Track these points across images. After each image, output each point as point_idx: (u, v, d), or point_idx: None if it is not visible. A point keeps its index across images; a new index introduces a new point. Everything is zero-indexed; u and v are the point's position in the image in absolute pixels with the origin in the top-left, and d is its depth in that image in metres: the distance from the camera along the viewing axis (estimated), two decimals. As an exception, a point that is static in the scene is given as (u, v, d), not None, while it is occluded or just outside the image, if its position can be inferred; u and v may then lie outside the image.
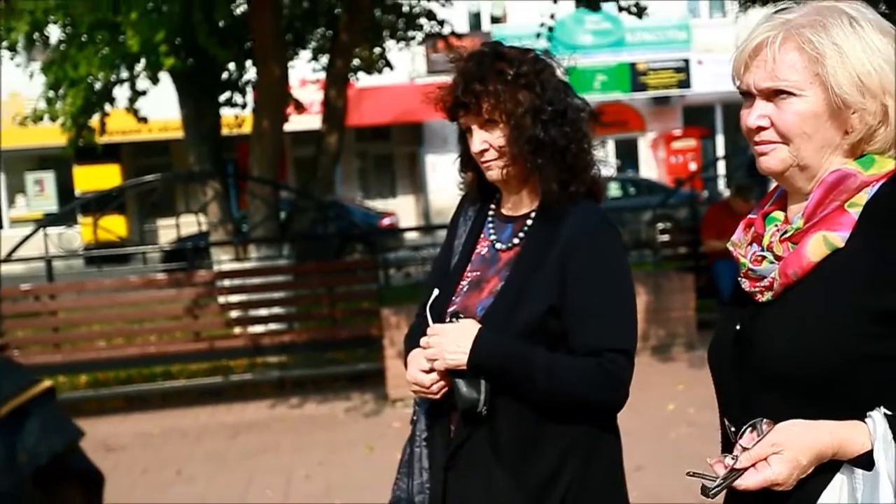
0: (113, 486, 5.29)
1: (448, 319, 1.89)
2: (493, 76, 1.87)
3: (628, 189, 18.52)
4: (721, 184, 16.52)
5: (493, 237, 2.00)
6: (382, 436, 5.83)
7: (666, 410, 5.72)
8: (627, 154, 23.12)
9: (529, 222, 1.95)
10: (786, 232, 1.39)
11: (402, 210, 21.46)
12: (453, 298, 1.96)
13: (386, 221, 17.05)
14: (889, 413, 1.25)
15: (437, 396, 1.91)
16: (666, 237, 9.83)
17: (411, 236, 15.53)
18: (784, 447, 1.27)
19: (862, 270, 1.30)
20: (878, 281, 1.28)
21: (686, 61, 22.08)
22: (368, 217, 17.05)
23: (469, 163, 2.03)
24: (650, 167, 23.12)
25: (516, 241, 1.95)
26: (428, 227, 14.85)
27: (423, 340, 1.87)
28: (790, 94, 1.35)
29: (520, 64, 1.89)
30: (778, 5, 1.41)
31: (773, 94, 1.36)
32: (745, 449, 1.29)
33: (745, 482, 1.28)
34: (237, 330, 7.48)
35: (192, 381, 7.56)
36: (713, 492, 1.29)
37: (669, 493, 4.23)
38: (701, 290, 7.70)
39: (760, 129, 1.38)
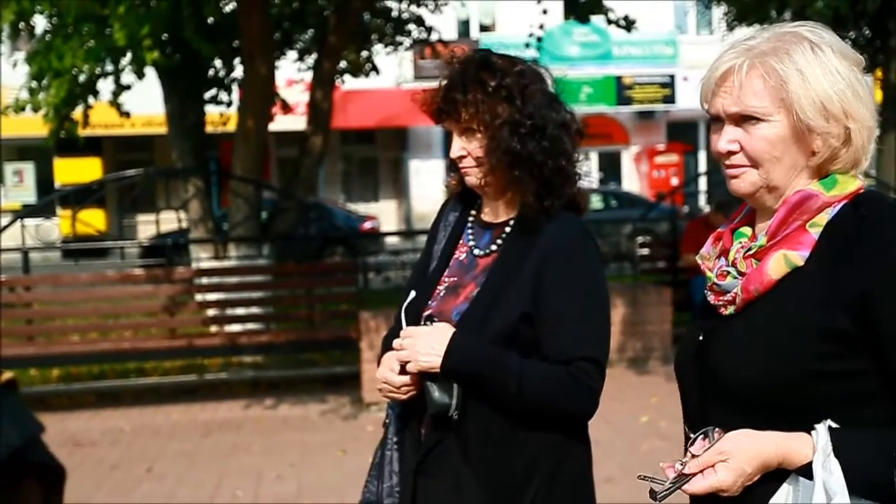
0: (80, 483, 5.24)
1: (423, 323, 1.89)
2: (475, 85, 1.87)
3: (610, 201, 18.61)
4: (702, 200, 16.63)
5: (471, 243, 2.01)
6: (356, 439, 5.81)
7: (639, 423, 5.75)
8: (610, 167, 23.24)
9: (508, 230, 1.96)
10: (750, 248, 1.44)
11: (383, 214, 21.44)
12: (430, 303, 1.96)
13: (367, 225, 17.02)
14: (834, 426, 1.30)
15: (404, 397, 1.91)
16: (645, 251, 9.87)
17: (392, 240, 15.52)
18: (730, 456, 1.33)
19: (818, 290, 1.35)
20: (832, 301, 1.33)
21: (672, 77, 22.24)
22: (350, 220, 17.02)
23: (455, 166, 2.04)
24: (632, 180, 23.24)
25: (494, 247, 1.96)
26: (409, 232, 14.83)
27: (396, 342, 1.88)
28: (758, 119, 1.39)
29: (504, 75, 1.89)
30: (747, 32, 1.45)
31: (742, 119, 1.41)
32: (694, 456, 1.36)
33: (692, 487, 1.34)
34: (214, 328, 7.44)
35: (166, 378, 7.51)
36: (661, 496, 1.35)
37: (640, 506, 4.25)
38: (678, 305, 7.74)
39: (730, 153, 1.43)
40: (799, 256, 1.38)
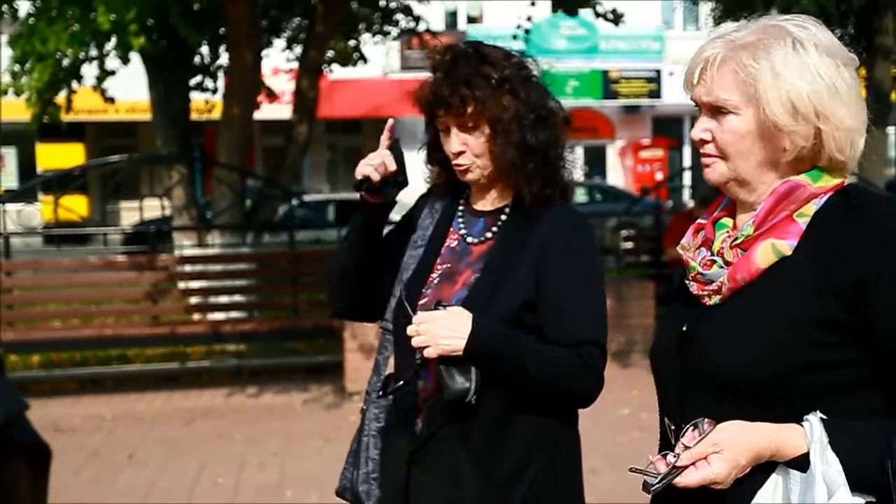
0: (61, 468, 5.20)
1: (434, 307, 1.85)
2: (481, 81, 1.87)
3: (595, 195, 18.66)
4: (686, 195, 16.70)
5: (463, 231, 2.01)
6: (339, 428, 5.82)
7: (620, 414, 5.79)
8: (596, 160, 23.28)
9: (504, 217, 1.97)
10: (736, 238, 1.43)
11: (369, 204, 21.38)
12: (424, 290, 1.95)
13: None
14: (825, 418, 1.29)
15: (377, 176, 1.97)
16: (629, 244, 9.91)
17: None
18: (724, 447, 1.30)
19: (807, 279, 1.35)
20: (823, 289, 1.33)
21: (658, 72, 22.29)
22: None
23: (438, 157, 2.04)
24: (617, 174, 23.30)
25: (489, 234, 1.97)
26: (393, 222, 14.80)
27: (410, 329, 1.83)
28: (728, 111, 1.40)
29: (504, 68, 1.90)
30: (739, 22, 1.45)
31: (715, 110, 1.42)
32: (686, 447, 1.33)
33: (685, 479, 1.31)
34: (196, 316, 7.41)
35: (148, 365, 7.48)
36: (654, 488, 1.33)
37: (621, 496, 4.28)
38: (661, 299, 7.78)
39: (703, 141, 1.44)
40: (787, 245, 1.38)
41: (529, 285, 1.87)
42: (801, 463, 1.29)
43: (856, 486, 1.25)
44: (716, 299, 1.43)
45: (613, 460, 4.82)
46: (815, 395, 1.32)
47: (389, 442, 1.99)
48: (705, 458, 1.31)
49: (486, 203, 2.02)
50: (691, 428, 1.35)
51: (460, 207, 2.05)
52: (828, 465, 1.25)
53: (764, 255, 1.39)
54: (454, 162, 1.94)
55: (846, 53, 1.40)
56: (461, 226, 2.02)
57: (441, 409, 1.86)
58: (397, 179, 2.01)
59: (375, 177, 1.97)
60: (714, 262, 1.44)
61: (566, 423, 1.93)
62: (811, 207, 1.39)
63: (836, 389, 1.33)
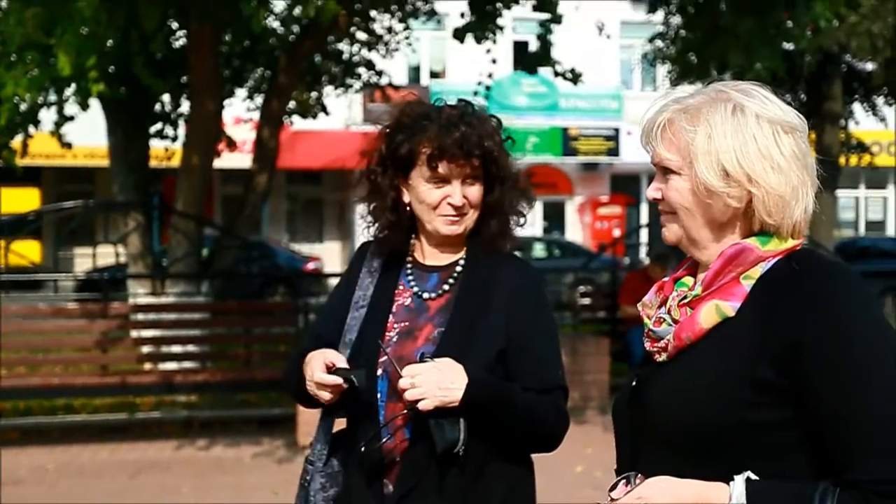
0: (-1, 523, 4.93)
1: (419, 360, 1.84)
2: (495, 135, 1.97)
3: (553, 250, 18.80)
4: (643, 252, 16.91)
5: (415, 287, 2.00)
6: (289, 482, 5.67)
7: (574, 472, 5.75)
8: (555, 216, 23.51)
9: (459, 269, 1.99)
10: (685, 297, 1.47)
11: (327, 256, 21.31)
12: (383, 348, 1.92)
13: (310, 266, 16.91)
14: (752, 478, 1.32)
15: (329, 397, 1.87)
16: (586, 300, 9.97)
17: (334, 282, 15.41)
18: (648, 501, 1.34)
19: (746, 341, 1.38)
20: (760, 351, 1.36)
21: (616, 130, 22.69)
22: (293, 260, 16.89)
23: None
24: (576, 230, 23.54)
25: (446, 287, 1.98)
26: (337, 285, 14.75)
27: (403, 382, 1.81)
28: (673, 171, 1.46)
29: (493, 127, 1.99)
30: (691, 86, 1.52)
31: (664, 170, 1.48)
32: (613, 500, 1.39)
33: None
34: (147, 366, 7.27)
35: (95, 416, 7.30)
36: None
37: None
38: (616, 355, 7.81)
39: (656, 199, 1.50)
40: (730, 307, 1.41)
41: (502, 336, 1.91)
42: None
43: None
44: (664, 356, 1.47)
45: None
46: (751, 452, 1.35)
47: None
48: None
49: (438, 258, 2.02)
50: (623, 482, 1.40)
51: (408, 264, 2.04)
52: None
53: (708, 315, 1.42)
54: (449, 215, 1.95)
55: (790, 121, 1.44)
56: (411, 283, 2.01)
57: (421, 463, 1.84)
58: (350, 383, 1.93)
59: (326, 398, 1.91)
60: (664, 319, 1.48)
61: (530, 472, 2.00)
62: (758, 270, 1.42)
63: (771, 449, 1.36)
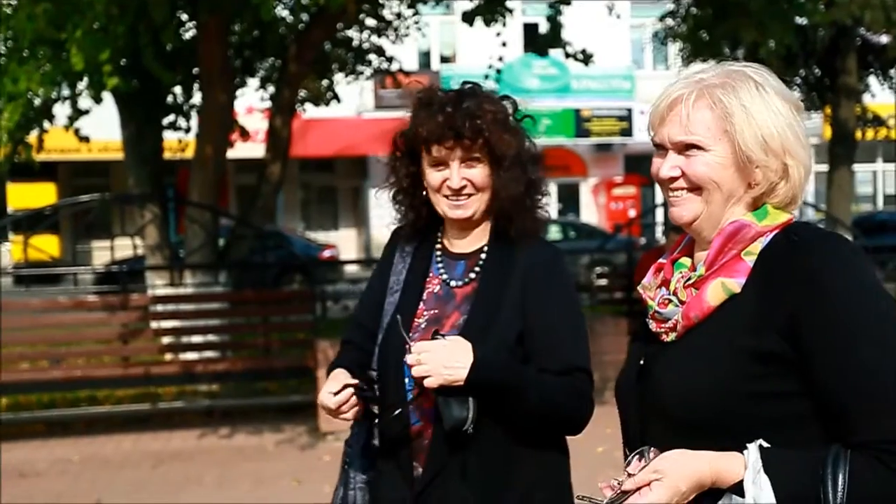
0: (25, 514, 5.02)
1: (433, 338, 1.86)
2: (491, 117, 1.92)
3: (568, 232, 18.76)
4: (658, 231, 16.85)
5: (443, 275, 2.02)
6: (312, 469, 5.75)
7: (594, 453, 5.76)
8: (569, 198, 23.45)
9: (483, 256, 1.99)
10: (689, 278, 1.50)
11: (343, 243, 21.37)
12: (410, 335, 1.94)
13: (326, 253, 16.95)
14: (765, 445, 1.36)
15: (349, 416, 1.91)
16: (603, 281, 9.94)
17: (351, 269, 15.46)
18: (665, 474, 1.37)
19: (751, 315, 1.41)
20: (764, 324, 1.39)
21: (629, 110, 22.57)
22: (309, 248, 16.94)
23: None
24: (591, 212, 23.48)
25: (472, 275, 1.99)
26: (368, 261, 14.79)
27: (410, 358, 1.83)
28: (700, 147, 1.46)
29: (502, 107, 1.97)
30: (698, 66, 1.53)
31: (685, 148, 1.48)
32: (630, 475, 1.40)
33: None
34: (168, 356, 7.33)
35: (118, 407, 7.37)
36: None
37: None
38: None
39: (672, 178, 1.50)
40: (736, 283, 1.45)
41: (519, 318, 1.90)
42: (743, 490, 1.35)
43: None
44: (672, 336, 1.50)
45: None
46: (759, 426, 1.38)
47: (382, 492, 1.96)
48: (648, 484, 1.37)
49: (465, 245, 2.03)
50: (637, 456, 1.43)
51: (437, 251, 2.05)
52: (759, 489, 1.31)
53: (714, 293, 1.46)
54: (451, 197, 1.95)
55: (796, 99, 1.50)
56: (441, 270, 2.03)
57: (440, 443, 1.85)
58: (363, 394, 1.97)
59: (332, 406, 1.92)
60: (670, 301, 1.51)
61: (562, 457, 1.97)
62: (757, 246, 1.46)
63: (779, 421, 1.39)
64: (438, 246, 2.06)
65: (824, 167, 13.53)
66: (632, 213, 21.36)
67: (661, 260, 1.60)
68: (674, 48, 14.55)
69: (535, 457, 1.90)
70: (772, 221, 1.47)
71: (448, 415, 1.80)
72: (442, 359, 1.80)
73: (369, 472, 2.00)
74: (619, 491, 1.39)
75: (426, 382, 1.81)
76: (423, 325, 1.97)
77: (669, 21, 12.74)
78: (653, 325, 1.54)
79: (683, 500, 1.36)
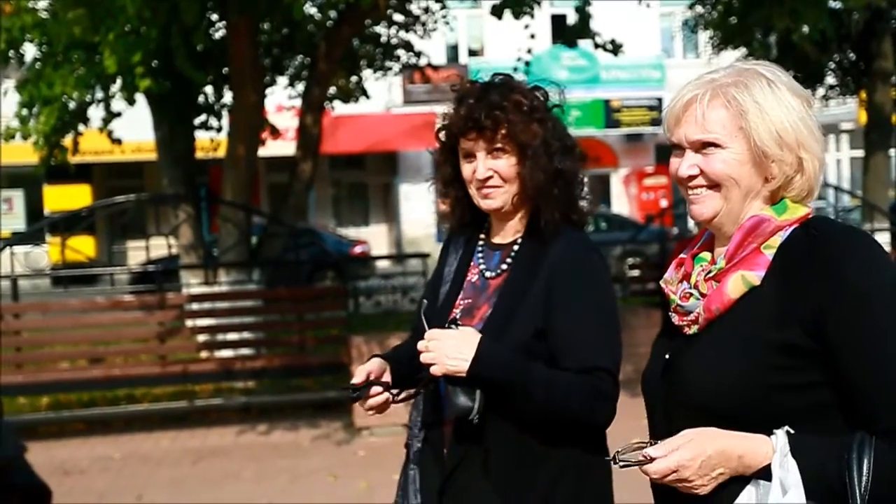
0: (69, 511, 5.07)
1: (447, 326, 1.88)
2: (512, 106, 1.93)
3: (600, 224, 18.65)
4: (691, 221, 16.70)
5: (482, 265, 2.05)
6: (347, 464, 5.79)
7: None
8: (600, 189, 23.32)
9: (516, 248, 2.01)
10: (710, 271, 1.54)
11: (374, 239, 21.44)
12: (446, 326, 1.96)
13: (358, 249, 17.01)
14: (791, 431, 1.39)
15: (379, 401, 2.00)
16: (635, 273, 9.89)
17: (383, 265, 15.50)
18: (693, 438, 1.41)
19: (773, 307, 1.44)
20: (786, 317, 1.42)
21: (659, 100, 22.40)
22: (340, 245, 16.99)
23: (453, 192, 2.06)
24: (622, 203, 23.34)
25: (504, 266, 2.00)
26: (399, 256, 14.82)
27: (420, 344, 1.87)
28: (717, 145, 1.49)
29: (532, 98, 1.97)
30: (711, 66, 1.55)
31: (702, 146, 1.51)
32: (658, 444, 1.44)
33: (655, 465, 1.40)
34: (205, 354, 7.41)
35: (156, 405, 7.47)
36: (622, 458, 1.44)
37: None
38: (669, 327, 7.74)
39: (691, 177, 1.53)
40: (756, 276, 1.48)
41: (539, 314, 1.89)
42: (770, 475, 1.37)
43: (814, 496, 1.34)
44: (694, 329, 1.54)
45: (623, 488, 4.78)
46: (782, 416, 1.41)
47: (426, 474, 2.02)
48: (677, 448, 1.40)
49: (504, 235, 2.05)
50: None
51: (480, 241, 2.08)
52: (786, 472, 1.34)
53: (735, 286, 1.49)
54: (480, 188, 1.97)
55: (807, 94, 1.53)
56: (480, 260, 2.06)
57: (456, 433, 1.88)
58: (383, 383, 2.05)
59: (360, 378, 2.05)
60: (691, 294, 1.54)
61: (592, 448, 1.93)
62: (777, 239, 1.49)
63: (803, 411, 1.42)
64: (482, 237, 2.09)
65: (860, 153, 13.33)
66: (663, 203, 21.19)
67: (681, 255, 1.63)
68: (704, 36, 14.40)
69: (561, 454, 1.88)
70: (791, 215, 1.50)
71: (453, 403, 1.83)
72: (448, 348, 1.82)
73: (420, 453, 2.05)
74: (648, 456, 1.42)
75: (431, 370, 1.84)
76: (457, 315, 1.99)
77: (699, 8, 12.61)
78: (675, 319, 1.57)
79: (709, 468, 1.39)
